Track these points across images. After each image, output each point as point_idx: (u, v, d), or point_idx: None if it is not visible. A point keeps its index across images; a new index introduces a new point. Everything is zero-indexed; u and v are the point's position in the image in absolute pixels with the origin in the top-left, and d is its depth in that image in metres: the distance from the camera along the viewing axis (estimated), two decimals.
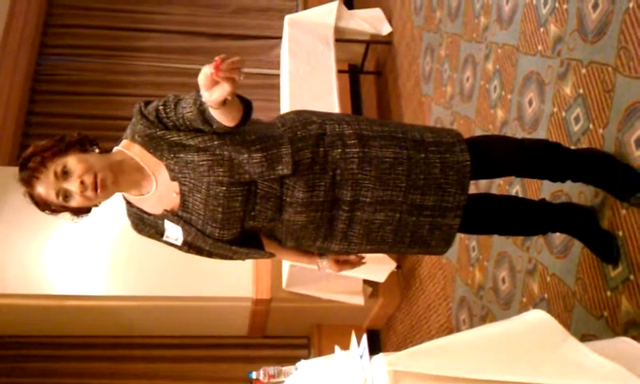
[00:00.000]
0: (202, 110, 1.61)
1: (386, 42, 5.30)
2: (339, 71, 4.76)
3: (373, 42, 5.27)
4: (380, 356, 1.58)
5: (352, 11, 5.15)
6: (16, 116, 5.33)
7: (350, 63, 5.66)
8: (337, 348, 1.93)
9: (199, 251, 1.89)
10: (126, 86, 5.78)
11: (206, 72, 1.46)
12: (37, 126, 5.53)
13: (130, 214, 1.91)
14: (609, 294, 2.25)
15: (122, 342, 4.94)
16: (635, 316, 2.10)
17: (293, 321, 4.90)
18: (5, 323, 4.61)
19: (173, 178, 1.77)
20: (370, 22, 5.08)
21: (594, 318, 2.33)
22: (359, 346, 1.73)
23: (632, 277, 2.13)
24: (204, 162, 1.72)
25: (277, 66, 5.45)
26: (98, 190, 1.70)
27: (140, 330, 4.89)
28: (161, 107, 1.72)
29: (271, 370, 2.15)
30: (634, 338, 1.86)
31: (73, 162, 1.71)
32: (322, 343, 4.84)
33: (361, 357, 1.69)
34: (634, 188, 2.11)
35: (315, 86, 4.49)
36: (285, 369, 2.15)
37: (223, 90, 1.47)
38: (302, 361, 2.16)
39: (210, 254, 1.91)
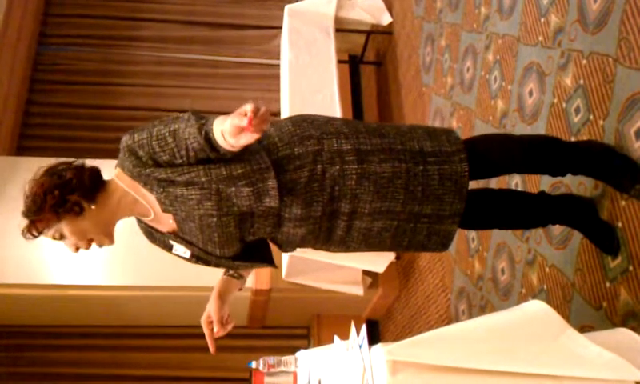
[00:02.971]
0: (208, 139, 1.61)
1: (387, 32, 5.28)
2: (339, 61, 4.75)
3: (373, 32, 5.25)
4: (379, 346, 1.59)
5: (352, 1, 5.13)
6: (15, 105, 5.32)
7: (350, 53, 5.64)
8: (336, 338, 1.94)
9: (207, 263, 1.93)
10: (125, 76, 5.76)
11: (235, 123, 1.46)
12: (36, 115, 5.52)
13: (140, 228, 1.96)
14: (608, 285, 2.25)
15: (122, 331, 4.95)
16: (634, 307, 2.11)
17: (292, 311, 4.90)
18: (5, 313, 4.62)
19: (164, 211, 1.79)
20: (371, 11, 5.07)
21: (592, 309, 2.33)
22: (358, 336, 1.73)
23: (631, 268, 2.13)
24: (193, 197, 1.72)
25: (277, 56, 5.43)
26: (96, 247, 1.84)
27: (140, 319, 4.90)
28: (155, 143, 1.69)
29: (271, 359, 2.15)
30: (632, 329, 1.87)
31: (67, 231, 1.78)
32: (322, 333, 4.85)
33: (360, 347, 1.69)
34: (634, 179, 2.11)
35: (315, 77, 4.48)
36: (284, 359, 2.15)
37: (251, 138, 1.48)
38: (302, 351, 2.17)
39: (217, 266, 1.95)
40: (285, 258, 4.19)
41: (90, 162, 1.88)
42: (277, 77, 5.14)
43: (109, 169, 1.90)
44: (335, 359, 1.89)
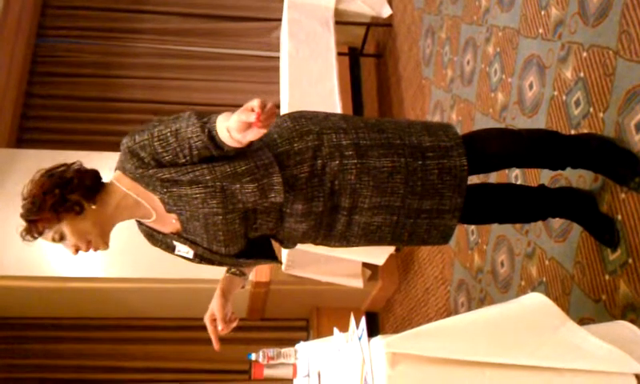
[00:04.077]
0: (211, 137, 1.61)
1: (387, 24, 5.27)
2: (339, 54, 4.74)
3: (373, 24, 5.24)
4: (378, 338, 1.59)
5: None
6: (15, 98, 5.30)
7: (350, 46, 5.63)
8: (336, 330, 1.94)
9: (210, 262, 1.93)
10: (124, 68, 5.75)
11: (242, 119, 1.46)
12: (36, 108, 5.51)
13: (141, 230, 1.95)
14: (607, 277, 2.25)
15: (122, 323, 4.96)
16: (633, 299, 2.11)
17: (292, 303, 4.91)
18: (6, 305, 4.62)
19: (168, 211, 1.79)
20: (371, 4, 5.05)
21: (592, 302, 2.34)
22: (358, 328, 1.74)
23: (630, 260, 2.13)
24: (197, 195, 1.71)
25: (276, 48, 5.42)
26: (92, 251, 1.83)
27: (139, 311, 4.90)
28: (157, 144, 1.68)
29: (270, 351, 2.16)
30: (632, 321, 1.87)
31: (67, 231, 1.77)
32: (321, 325, 4.86)
33: (359, 339, 1.70)
34: (633, 172, 2.11)
35: (315, 69, 4.47)
36: (284, 351, 2.16)
37: (258, 134, 1.49)
38: (301, 343, 2.18)
39: (220, 264, 1.95)
40: (285, 251, 4.19)
41: (89, 157, 1.87)
42: (277, 69, 5.13)
43: (109, 162, 1.90)
44: (335, 351, 1.89)
